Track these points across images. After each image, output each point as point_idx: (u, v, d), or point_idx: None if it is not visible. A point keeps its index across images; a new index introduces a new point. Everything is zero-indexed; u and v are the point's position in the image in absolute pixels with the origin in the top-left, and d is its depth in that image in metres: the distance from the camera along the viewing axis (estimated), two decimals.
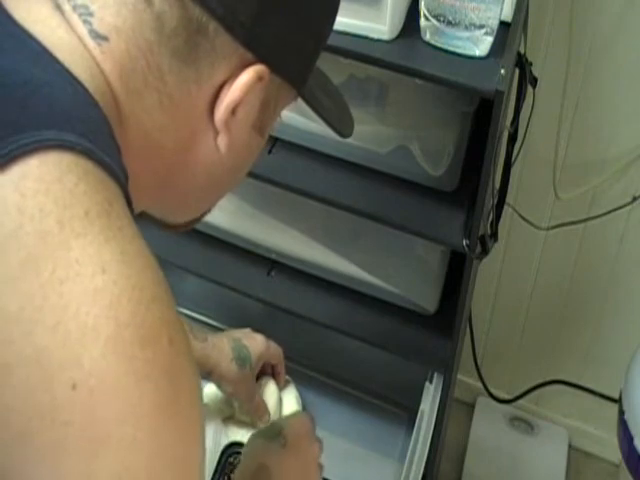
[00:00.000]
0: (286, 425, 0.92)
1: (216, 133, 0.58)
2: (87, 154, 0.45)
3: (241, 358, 1.03)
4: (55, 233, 0.42)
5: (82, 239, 0.42)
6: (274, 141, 1.04)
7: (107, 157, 0.46)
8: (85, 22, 0.52)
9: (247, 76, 0.55)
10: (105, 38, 0.52)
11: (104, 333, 0.41)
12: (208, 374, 1.03)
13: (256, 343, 1.07)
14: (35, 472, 0.42)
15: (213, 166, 0.60)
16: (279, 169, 1.01)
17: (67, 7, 0.52)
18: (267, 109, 0.60)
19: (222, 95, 0.55)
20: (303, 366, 1.22)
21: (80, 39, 0.51)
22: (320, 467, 0.92)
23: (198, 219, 0.69)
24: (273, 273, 1.20)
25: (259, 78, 0.55)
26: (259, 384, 1.11)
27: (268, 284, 1.18)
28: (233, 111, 0.56)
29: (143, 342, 0.42)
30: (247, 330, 1.10)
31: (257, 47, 0.55)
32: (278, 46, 0.57)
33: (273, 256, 1.19)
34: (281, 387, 1.14)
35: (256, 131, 0.61)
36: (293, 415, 1.11)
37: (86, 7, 0.52)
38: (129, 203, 0.48)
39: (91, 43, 0.52)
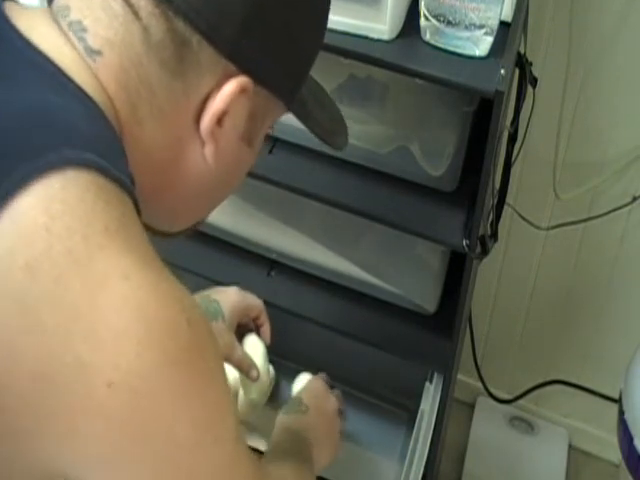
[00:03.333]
0: (303, 394, 1.01)
1: (203, 143, 0.59)
2: (103, 171, 0.48)
3: (210, 312, 0.99)
4: (81, 249, 0.46)
5: (105, 251, 0.46)
6: (274, 141, 1.04)
7: (119, 172, 0.50)
8: (80, 39, 0.54)
9: (230, 87, 0.56)
10: (99, 53, 0.54)
11: (136, 335, 0.46)
12: None
13: (227, 295, 1.03)
14: (86, 461, 0.48)
15: (202, 176, 0.62)
16: (279, 169, 1.01)
17: (63, 24, 0.55)
18: (255, 121, 0.61)
19: (207, 106, 0.57)
20: (303, 366, 1.22)
21: (80, 56, 0.54)
22: (341, 413, 1.02)
23: (190, 229, 0.71)
24: (273, 273, 1.20)
25: (242, 89, 0.57)
26: (242, 342, 1.06)
27: (268, 284, 1.18)
28: (219, 121, 0.58)
29: (170, 333, 0.47)
30: (219, 287, 1.05)
31: (239, 59, 0.56)
32: (261, 59, 0.58)
33: (273, 256, 1.19)
34: (267, 340, 1.08)
35: (245, 143, 0.62)
36: (308, 383, 1.10)
37: (79, 22, 0.54)
38: (138, 211, 0.52)
39: (88, 59, 0.54)
